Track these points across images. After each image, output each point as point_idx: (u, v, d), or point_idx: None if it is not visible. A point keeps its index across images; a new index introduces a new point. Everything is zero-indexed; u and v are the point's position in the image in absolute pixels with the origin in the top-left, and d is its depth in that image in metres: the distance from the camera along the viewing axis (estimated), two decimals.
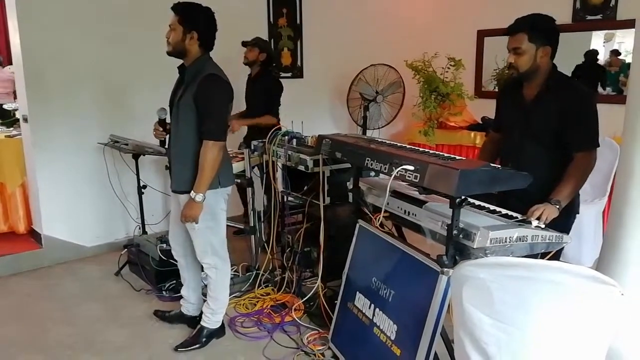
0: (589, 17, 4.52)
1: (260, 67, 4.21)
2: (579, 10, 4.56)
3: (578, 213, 2.42)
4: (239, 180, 3.39)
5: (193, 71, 2.59)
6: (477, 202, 2.35)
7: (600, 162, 2.48)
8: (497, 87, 5.05)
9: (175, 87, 2.73)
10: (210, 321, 2.89)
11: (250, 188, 3.50)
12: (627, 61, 4.46)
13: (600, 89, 4.61)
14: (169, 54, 2.61)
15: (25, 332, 3.08)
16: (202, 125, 2.55)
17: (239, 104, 4.44)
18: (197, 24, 2.56)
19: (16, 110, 4.63)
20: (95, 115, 4.12)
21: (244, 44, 4.16)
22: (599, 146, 2.30)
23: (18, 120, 4.34)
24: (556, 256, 2.18)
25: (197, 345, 2.85)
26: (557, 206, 2.17)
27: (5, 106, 5.04)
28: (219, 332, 2.94)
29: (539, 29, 2.27)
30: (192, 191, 2.56)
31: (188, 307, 3.06)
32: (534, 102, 2.35)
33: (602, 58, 4.64)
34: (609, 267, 1.98)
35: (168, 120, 2.81)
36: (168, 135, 2.81)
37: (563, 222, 2.24)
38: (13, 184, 4.28)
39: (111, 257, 4.06)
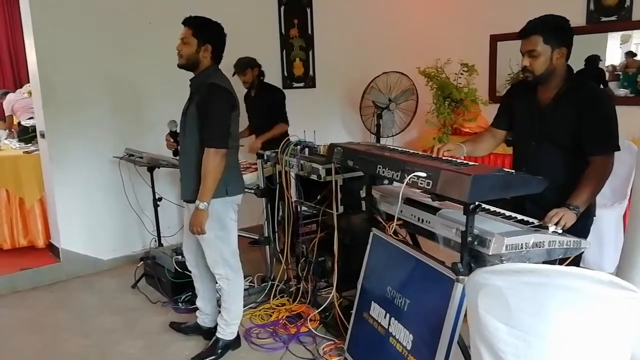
0: (604, 19, 4.46)
1: (258, 81, 4.27)
2: (593, 12, 4.50)
3: (595, 215, 2.37)
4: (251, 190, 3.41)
5: (199, 82, 2.63)
6: (492, 208, 2.32)
7: (619, 165, 2.42)
8: None
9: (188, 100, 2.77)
10: (225, 332, 2.88)
11: (265, 198, 3.51)
12: None
13: (619, 90, 4.54)
14: (181, 66, 2.64)
15: (43, 344, 3.11)
16: (204, 133, 2.56)
17: (243, 119, 4.47)
18: (211, 37, 2.60)
19: (34, 126, 4.71)
20: (110, 129, 4.17)
21: (236, 72, 4.15)
22: (618, 149, 2.24)
23: (36, 136, 4.42)
24: (576, 262, 2.13)
25: (213, 357, 2.84)
26: (575, 211, 2.11)
27: (23, 123, 5.14)
28: (235, 343, 2.93)
29: (554, 30, 2.21)
30: (197, 199, 2.56)
31: (204, 318, 3.06)
32: (550, 106, 2.30)
33: (618, 60, 4.56)
34: (629, 272, 1.93)
35: (179, 131, 2.83)
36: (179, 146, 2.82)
37: (581, 226, 2.19)
38: (31, 199, 4.35)
39: (128, 270, 4.09)
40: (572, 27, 2.27)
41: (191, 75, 2.70)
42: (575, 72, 2.36)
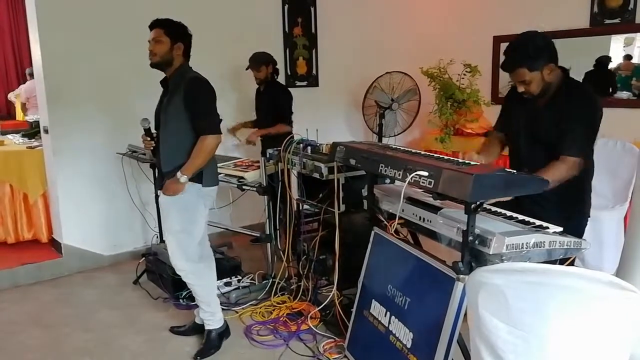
0: (607, 21, 4.46)
1: (271, 79, 4.28)
2: (596, 15, 4.50)
3: (589, 216, 2.39)
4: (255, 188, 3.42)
5: (177, 79, 2.70)
6: (493, 208, 2.33)
7: (620, 167, 2.45)
8: None
9: (161, 99, 2.82)
10: (214, 322, 2.91)
11: (266, 196, 3.52)
12: None
13: (622, 93, 4.57)
14: (155, 65, 2.72)
15: (44, 339, 3.12)
16: (199, 122, 2.63)
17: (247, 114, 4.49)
18: (181, 36, 2.71)
19: (37, 121, 4.73)
20: (113, 126, 4.18)
21: (249, 67, 4.19)
22: (585, 158, 2.27)
23: (39, 131, 4.43)
24: (572, 262, 2.14)
25: (214, 350, 2.88)
26: None
27: (27, 118, 5.16)
28: (226, 331, 2.98)
29: (534, 56, 2.21)
30: (179, 172, 2.61)
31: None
32: (544, 108, 2.34)
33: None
34: (629, 273, 1.93)
35: (152, 130, 2.85)
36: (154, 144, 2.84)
37: (575, 225, 2.21)
38: (35, 194, 4.36)
39: (129, 266, 4.10)
40: (549, 40, 2.27)
41: (161, 75, 2.78)
42: (585, 73, 2.38)
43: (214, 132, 2.64)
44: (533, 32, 2.28)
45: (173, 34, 2.68)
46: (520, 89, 2.29)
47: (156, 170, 3.83)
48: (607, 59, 4.54)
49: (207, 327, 2.92)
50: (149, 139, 2.82)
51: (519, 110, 2.48)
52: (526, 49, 2.22)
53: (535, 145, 2.36)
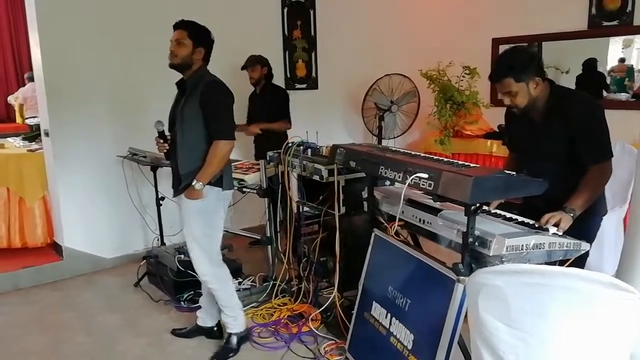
0: (605, 23, 4.48)
1: (265, 80, 4.35)
2: (594, 16, 4.52)
3: (605, 214, 2.40)
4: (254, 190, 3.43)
5: (194, 81, 2.70)
6: (492, 210, 2.34)
7: (619, 169, 2.45)
8: None
9: (176, 101, 2.82)
10: (235, 326, 2.92)
11: (267, 198, 3.53)
12: (635, 67, 4.51)
13: (621, 95, 4.59)
14: (175, 66, 2.71)
15: (45, 342, 3.13)
16: (212, 126, 2.65)
17: (242, 117, 4.49)
18: (204, 41, 2.72)
19: (38, 124, 4.73)
20: (114, 129, 4.19)
21: (245, 67, 4.28)
22: (612, 156, 2.28)
23: (39, 134, 4.43)
24: (580, 266, 2.14)
25: (232, 354, 2.89)
26: (572, 214, 2.14)
27: (27, 121, 5.17)
28: (245, 337, 2.98)
29: (521, 68, 2.23)
30: (194, 179, 2.62)
31: (205, 317, 3.07)
32: (542, 123, 2.35)
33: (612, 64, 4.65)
34: (629, 273, 1.94)
35: (166, 133, 2.87)
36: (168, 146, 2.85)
37: (583, 226, 2.22)
38: (32, 198, 4.30)
39: (130, 269, 4.11)
40: (536, 55, 2.30)
41: (178, 76, 2.78)
42: (576, 77, 2.38)
43: (226, 138, 2.65)
44: (522, 46, 2.33)
45: (196, 37, 2.68)
46: (507, 101, 2.30)
47: (156, 173, 3.86)
48: (594, 61, 4.59)
49: (228, 331, 2.93)
50: (162, 141, 2.83)
51: (520, 130, 2.49)
52: (513, 61, 2.25)
53: (546, 162, 2.34)
